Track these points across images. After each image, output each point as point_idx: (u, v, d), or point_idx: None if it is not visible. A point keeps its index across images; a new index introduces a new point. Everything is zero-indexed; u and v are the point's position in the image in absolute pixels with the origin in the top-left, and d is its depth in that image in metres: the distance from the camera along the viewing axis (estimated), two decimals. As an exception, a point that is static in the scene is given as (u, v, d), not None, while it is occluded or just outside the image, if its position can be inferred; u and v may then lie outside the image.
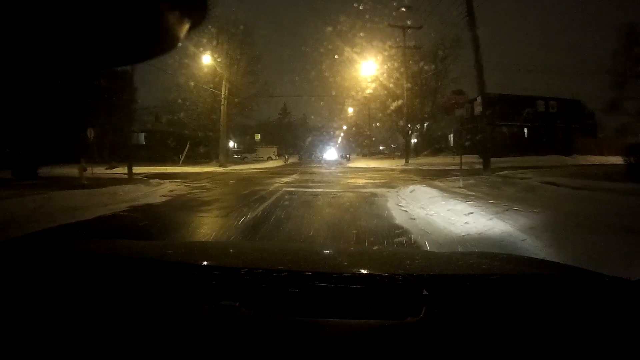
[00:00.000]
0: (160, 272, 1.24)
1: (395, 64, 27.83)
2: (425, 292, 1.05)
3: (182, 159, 26.93)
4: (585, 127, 37.52)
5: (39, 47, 0.68)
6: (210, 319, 0.99)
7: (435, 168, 20.69)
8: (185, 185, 12.79)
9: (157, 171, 19.44)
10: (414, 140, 35.57)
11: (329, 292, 1.08)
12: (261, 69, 30.51)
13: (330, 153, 53.61)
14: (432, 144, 34.71)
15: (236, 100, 28.93)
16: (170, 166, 23.87)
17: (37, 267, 1.27)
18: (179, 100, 28.55)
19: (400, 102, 28.90)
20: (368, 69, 28.05)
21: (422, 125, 34.68)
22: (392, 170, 20.03)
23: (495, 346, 0.90)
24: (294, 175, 16.44)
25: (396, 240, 4.65)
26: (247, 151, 42.35)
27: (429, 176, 14.49)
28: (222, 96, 24.98)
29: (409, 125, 32.21)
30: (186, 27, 0.65)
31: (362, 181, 13.63)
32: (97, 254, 1.49)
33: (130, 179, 14.19)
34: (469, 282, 1.18)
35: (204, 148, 29.57)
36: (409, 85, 26.52)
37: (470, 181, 10.43)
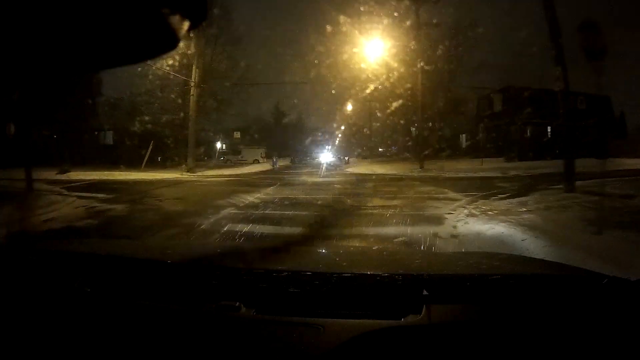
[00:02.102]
0: (160, 272, 1.23)
1: (403, 53, 22.94)
2: (425, 292, 1.03)
3: (144, 162, 21.93)
4: (614, 127, 33.11)
5: (35, 48, 0.67)
6: (210, 319, 0.99)
7: (465, 175, 15.68)
8: (89, 208, 8.12)
9: (104, 177, 15.98)
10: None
11: (329, 292, 1.08)
12: (243, 51, 25.27)
13: (326, 155, 48.92)
14: (440, 145, 29.99)
15: (214, 90, 23.87)
16: (131, 171, 19.40)
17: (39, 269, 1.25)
18: (149, 91, 23.74)
19: (409, 95, 24.30)
20: (373, 55, 22.85)
21: (433, 124, 29.77)
22: (409, 179, 14.67)
23: (495, 345, 0.90)
24: (270, 189, 11.17)
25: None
26: (238, 153, 37.06)
27: (475, 190, 9.58)
28: (192, 84, 19.80)
29: (417, 124, 27.92)
30: (186, 26, 0.63)
31: (375, 204, 8.07)
32: (97, 254, 1.46)
33: (27, 191, 10.02)
34: (468, 282, 1.16)
35: (176, 149, 24.38)
36: (423, 70, 21.55)
37: (601, 212, 5.51)
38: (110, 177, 16.74)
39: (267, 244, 3.74)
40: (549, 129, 28.01)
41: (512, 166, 19.93)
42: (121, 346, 0.89)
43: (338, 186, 12.45)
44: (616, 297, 1.08)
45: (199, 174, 19.12)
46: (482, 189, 9.93)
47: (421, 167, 18.74)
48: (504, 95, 28.63)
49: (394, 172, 18.46)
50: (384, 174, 17.33)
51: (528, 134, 28.20)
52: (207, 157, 36.68)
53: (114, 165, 21.03)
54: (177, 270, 1.24)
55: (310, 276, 1.14)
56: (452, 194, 9.24)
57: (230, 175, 18.66)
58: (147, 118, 23.56)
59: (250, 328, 0.95)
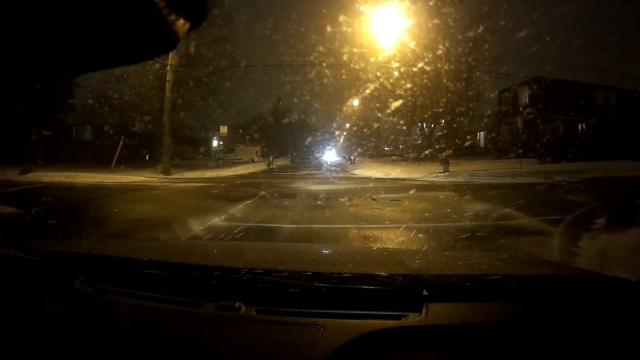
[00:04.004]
0: (160, 272, 1.21)
1: (418, 38, 19.63)
2: (425, 292, 1.02)
3: (114, 162, 18.78)
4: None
5: (33, 48, 0.65)
6: (210, 319, 0.99)
7: (504, 181, 12.38)
8: None
9: (63, 179, 14.07)
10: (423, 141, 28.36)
11: (329, 292, 1.07)
12: (233, 34, 21.92)
13: (330, 154, 45.87)
14: (457, 143, 26.76)
15: (199, 75, 20.66)
16: (101, 171, 16.52)
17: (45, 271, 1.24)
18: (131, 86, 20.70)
19: (420, 91, 21.22)
20: (381, 44, 19.56)
21: (452, 120, 26.52)
22: (439, 187, 11.22)
23: (494, 345, 0.90)
24: (243, 206, 7.53)
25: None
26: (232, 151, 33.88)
27: (550, 210, 6.46)
28: (168, 67, 16.52)
29: (433, 120, 24.90)
30: (186, 27, 0.61)
31: (414, 248, 4.19)
32: (97, 254, 1.44)
33: None
34: (469, 282, 1.15)
35: (156, 148, 21.26)
36: (445, 57, 18.21)
37: None
38: (69, 180, 14.32)
39: (267, 244, 3.52)
40: (584, 125, 24.60)
41: (550, 169, 16.62)
42: (121, 346, 0.90)
43: (344, 200, 8.55)
44: (617, 297, 1.07)
45: (175, 176, 16.00)
46: (555, 207, 6.83)
47: (445, 170, 15.40)
48: (531, 88, 25.15)
49: (413, 175, 15.14)
50: (402, 179, 14.01)
51: (561, 131, 24.77)
52: (201, 156, 33.76)
53: (91, 163, 18.89)
54: (177, 270, 1.23)
55: (310, 276, 1.13)
56: (525, 219, 5.94)
57: (208, 179, 15.42)
58: (143, 117, 20.52)
59: (250, 328, 0.95)
